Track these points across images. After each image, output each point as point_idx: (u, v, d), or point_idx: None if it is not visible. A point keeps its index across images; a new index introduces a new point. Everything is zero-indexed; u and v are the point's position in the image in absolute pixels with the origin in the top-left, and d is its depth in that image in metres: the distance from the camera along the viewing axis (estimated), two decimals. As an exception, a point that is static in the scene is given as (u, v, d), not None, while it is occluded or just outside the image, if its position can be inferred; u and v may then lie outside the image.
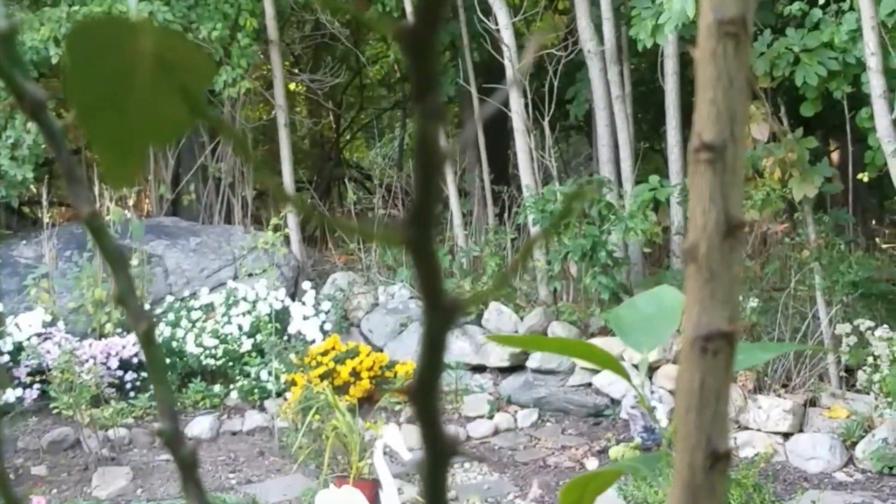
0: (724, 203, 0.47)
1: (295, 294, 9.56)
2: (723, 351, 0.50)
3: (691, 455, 0.51)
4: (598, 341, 7.43)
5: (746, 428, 7.33)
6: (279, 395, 8.34)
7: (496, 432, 8.07)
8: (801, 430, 7.23)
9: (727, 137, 0.47)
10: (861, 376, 7.21)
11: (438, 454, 0.43)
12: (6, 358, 8.04)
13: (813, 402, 7.39)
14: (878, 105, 6.99)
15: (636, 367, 0.83)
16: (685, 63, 9.12)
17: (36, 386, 7.98)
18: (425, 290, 0.40)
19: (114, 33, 0.45)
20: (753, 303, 7.54)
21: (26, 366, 8.03)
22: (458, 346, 8.85)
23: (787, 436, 7.21)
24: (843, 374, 7.61)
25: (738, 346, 0.69)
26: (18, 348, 8.12)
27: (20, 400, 7.89)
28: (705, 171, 0.47)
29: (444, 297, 0.40)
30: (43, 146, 9.63)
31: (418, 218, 0.39)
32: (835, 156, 11.84)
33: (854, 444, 7.02)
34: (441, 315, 0.40)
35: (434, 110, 0.39)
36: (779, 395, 7.38)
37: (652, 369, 7.84)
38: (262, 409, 8.42)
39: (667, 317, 0.77)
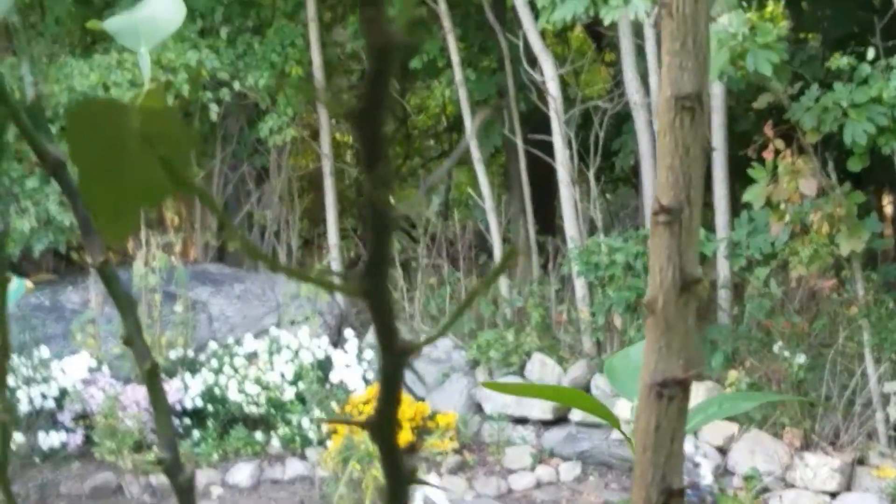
0: (681, 261, 0.48)
1: (338, 342, 9.59)
2: (677, 396, 0.52)
3: (647, 491, 0.53)
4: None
5: (793, 486, 7.22)
6: (320, 443, 8.34)
7: (538, 485, 8.00)
8: (849, 490, 7.10)
9: (683, 201, 0.48)
10: (910, 435, 7.09)
11: (398, 482, 0.47)
12: (51, 403, 8.12)
13: (861, 461, 7.26)
14: (927, 160, 6.92)
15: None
16: (733, 117, 9.09)
17: (80, 431, 8.04)
18: (381, 334, 0.45)
19: (107, 113, 0.52)
20: (801, 359, 7.46)
21: (70, 410, 8.11)
22: (501, 399, 8.81)
23: (834, 495, 7.08)
24: (892, 432, 7.48)
25: (723, 396, 0.69)
26: (63, 393, 8.20)
27: (64, 445, 7.96)
28: (663, 232, 0.48)
29: (398, 340, 0.45)
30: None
31: (373, 271, 0.44)
32: (888, 210, 11.72)
33: (903, 504, 6.88)
34: (395, 356, 0.46)
35: (383, 178, 0.43)
36: (826, 454, 7.26)
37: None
38: (303, 457, 8.43)
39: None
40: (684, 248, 0.49)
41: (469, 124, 10.11)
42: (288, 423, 8.62)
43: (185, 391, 8.57)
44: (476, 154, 10.18)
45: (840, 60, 7.48)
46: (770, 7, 7.36)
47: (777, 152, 7.45)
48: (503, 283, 10.18)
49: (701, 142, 0.48)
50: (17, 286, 8.12)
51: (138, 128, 0.50)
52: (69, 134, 0.51)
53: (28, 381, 8.06)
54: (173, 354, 8.93)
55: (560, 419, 8.58)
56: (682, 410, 0.52)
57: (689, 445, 7.36)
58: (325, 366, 9.01)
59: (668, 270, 0.49)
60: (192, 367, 8.91)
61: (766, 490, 7.18)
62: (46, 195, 9.49)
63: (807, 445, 7.36)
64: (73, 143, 0.51)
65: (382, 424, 0.45)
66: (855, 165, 7.58)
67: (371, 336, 9.80)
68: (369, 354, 9.30)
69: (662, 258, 0.49)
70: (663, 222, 0.49)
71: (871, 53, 7.37)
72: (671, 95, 0.48)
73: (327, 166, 10.69)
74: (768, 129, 7.46)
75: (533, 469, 8.19)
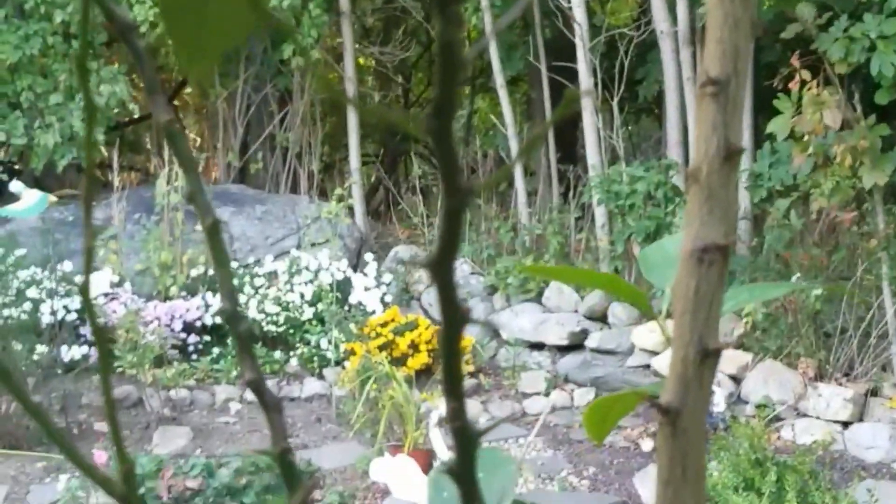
0: (725, 131, 0.51)
1: (357, 265, 9.65)
2: (717, 262, 0.56)
3: (685, 350, 0.57)
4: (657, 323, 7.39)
5: (806, 415, 7.28)
6: (338, 363, 8.44)
7: (552, 409, 8.09)
8: (861, 420, 7.16)
9: (731, 73, 0.51)
10: (925, 368, 7.12)
11: (453, 320, 0.48)
12: (73, 316, 8.22)
13: (875, 392, 7.31)
14: (954, 94, 6.87)
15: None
16: (759, 48, 9.01)
17: (102, 344, 8.15)
18: (445, 174, 0.46)
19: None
20: (818, 291, 7.47)
21: (93, 324, 8.20)
22: (518, 324, 8.89)
23: (846, 425, 7.14)
24: (906, 365, 7.52)
25: (753, 285, 0.72)
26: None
27: (86, 357, 8.08)
28: (710, 104, 0.51)
29: (460, 180, 0.46)
30: (115, 110, 9.82)
31: (440, 112, 0.45)
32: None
33: (915, 436, 6.94)
34: (457, 195, 0.46)
35: (455, 18, 0.44)
36: (840, 384, 7.31)
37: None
38: (320, 376, 8.53)
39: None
40: (729, 119, 0.51)
41: (494, 50, 10.05)
42: (306, 342, 8.72)
43: (205, 309, 8.66)
44: (500, 80, 10.14)
45: (870, -9, 7.39)
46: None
47: (803, 83, 7.40)
48: (523, 210, 10.20)
49: (749, 15, 0.51)
50: (41, 200, 8.20)
51: None
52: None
53: (51, 294, 8.16)
54: (194, 272, 9.01)
55: (575, 345, 8.65)
56: (721, 275, 0.55)
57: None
58: (343, 288, 9.08)
59: (712, 140, 0.52)
60: (213, 285, 8.99)
61: (778, 419, 7.24)
62: (70, 110, 9.52)
63: (820, 376, 7.41)
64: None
65: (442, 263, 0.47)
66: (882, 98, 7.53)
67: (390, 260, 9.86)
68: (388, 278, 9.36)
69: (708, 128, 0.52)
70: (710, 93, 0.51)
71: (902, -15, 7.28)
72: (724, -32, 0.51)
73: (350, 90, 10.66)
74: (795, 60, 7.40)
75: (547, 394, 8.28)
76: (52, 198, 8.38)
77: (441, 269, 0.47)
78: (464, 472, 0.49)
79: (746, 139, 8.64)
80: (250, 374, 0.55)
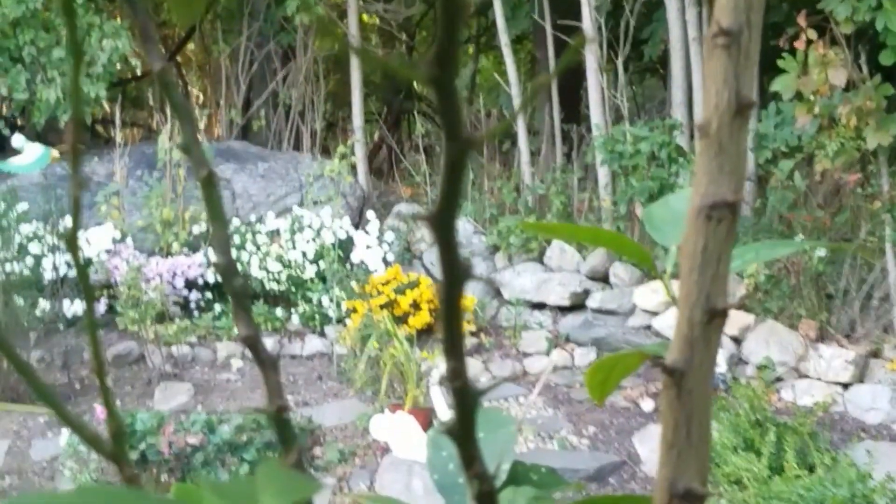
0: (737, 84, 0.50)
1: (359, 223, 9.64)
2: (726, 219, 0.55)
3: (691, 311, 0.56)
4: (660, 283, 7.38)
5: (806, 377, 7.29)
6: (339, 321, 8.45)
7: (553, 369, 8.11)
8: (861, 381, 7.17)
9: (743, 24, 0.50)
10: (926, 330, 7.12)
11: (453, 275, 0.47)
12: (75, 272, 8.22)
13: (875, 354, 7.32)
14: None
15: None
16: (768, 6, 8.92)
17: (103, 300, 8.17)
18: (447, 124, 0.44)
19: None
20: (821, 252, 7.45)
21: (94, 280, 8.21)
22: (519, 283, 8.88)
23: (847, 386, 7.15)
24: (908, 327, 7.52)
25: (761, 243, 0.71)
26: (87, 262, 8.30)
27: (88, 313, 8.07)
28: (721, 55, 0.50)
29: (463, 131, 0.44)
30: (117, 65, 9.77)
31: (442, 59, 0.43)
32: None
33: (915, 398, 6.95)
34: (459, 145, 0.44)
35: None
36: (841, 346, 7.31)
37: (713, 315, 7.79)
38: (322, 334, 8.55)
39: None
40: (741, 72, 0.50)
41: (499, 7, 9.98)
42: (308, 300, 8.72)
43: (207, 266, 8.66)
44: (504, 38, 10.07)
45: (878, -50, 7.31)
46: None
47: (809, 42, 7.34)
48: (526, 169, 10.17)
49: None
50: (43, 155, 8.17)
51: None
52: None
53: (53, 250, 8.15)
54: (196, 229, 9.00)
55: (577, 306, 8.65)
56: (730, 232, 0.53)
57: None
58: (345, 246, 9.07)
59: (723, 93, 0.50)
60: (215, 242, 8.97)
61: (779, 380, 7.25)
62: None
63: (822, 337, 7.41)
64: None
65: (442, 217, 0.45)
66: (887, 59, 7.48)
67: (392, 219, 9.84)
68: (390, 236, 9.35)
69: (719, 81, 0.50)
70: (722, 45, 0.50)
71: (910, -56, 7.20)
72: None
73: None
74: (802, 19, 7.34)
75: (548, 353, 8.29)
76: (55, 153, 8.36)
77: (442, 223, 0.45)
78: (463, 432, 0.47)
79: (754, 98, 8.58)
80: (245, 330, 0.54)
